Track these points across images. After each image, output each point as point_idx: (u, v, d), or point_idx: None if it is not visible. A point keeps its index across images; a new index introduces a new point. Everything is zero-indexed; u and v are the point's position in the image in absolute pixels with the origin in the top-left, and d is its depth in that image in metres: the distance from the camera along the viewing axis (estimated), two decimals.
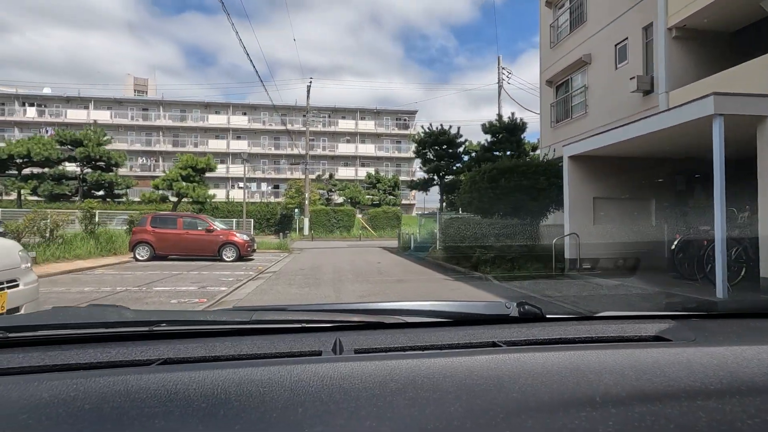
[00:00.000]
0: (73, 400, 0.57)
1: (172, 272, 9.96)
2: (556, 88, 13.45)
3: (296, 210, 30.66)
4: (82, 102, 42.47)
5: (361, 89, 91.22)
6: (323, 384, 0.61)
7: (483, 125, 18.88)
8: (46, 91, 42.53)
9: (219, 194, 40.81)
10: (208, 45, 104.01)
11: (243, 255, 12.91)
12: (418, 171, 48.20)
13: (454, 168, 17.83)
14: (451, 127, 18.10)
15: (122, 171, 42.31)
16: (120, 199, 21.69)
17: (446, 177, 18.74)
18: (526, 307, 1.02)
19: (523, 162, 9.94)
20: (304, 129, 31.85)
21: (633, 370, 0.65)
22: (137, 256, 12.43)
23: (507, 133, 18.44)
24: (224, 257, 12.69)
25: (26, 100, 41.42)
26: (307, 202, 29.66)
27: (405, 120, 46.26)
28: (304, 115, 43.33)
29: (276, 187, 43.53)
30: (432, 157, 18.41)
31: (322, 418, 0.54)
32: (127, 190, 21.11)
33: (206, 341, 0.83)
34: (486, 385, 0.61)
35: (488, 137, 19.09)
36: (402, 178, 43.20)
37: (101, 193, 19.58)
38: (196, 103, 43.60)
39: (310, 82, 30.81)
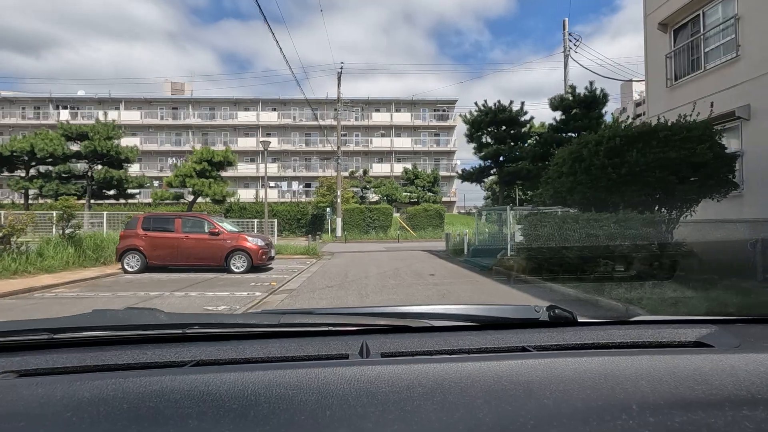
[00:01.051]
0: (112, 399, 0.59)
1: (151, 293, 7.22)
2: (673, 32, 9.76)
3: (328, 209, 27.95)
4: (113, 103, 41.84)
5: (396, 83, 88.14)
6: (350, 387, 0.61)
7: (551, 100, 15.29)
8: (80, 93, 42.23)
9: (248, 195, 38.97)
10: (242, 49, 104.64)
11: (256, 264, 10.10)
12: (459, 164, 44.64)
13: (517, 153, 14.28)
14: (512, 102, 14.68)
15: (151, 172, 41.60)
16: (133, 200, 19.63)
17: (506, 165, 15.27)
18: (557, 311, 0.98)
19: (664, 125, 6.45)
20: (336, 123, 29.09)
21: (672, 377, 0.63)
22: (126, 267, 9.87)
23: (583, 108, 14.75)
24: (233, 267, 9.92)
25: (60, 103, 41.19)
26: (339, 200, 26.87)
27: (444, 110, 42.74)
28: (336, 109, 40.86)
29: (308, 185, 41.22)
30: (488, 141, 14.99)
31: (350, 421, 0.54)
32: (141, 190, 18.92)
33: (236, 343, 0.84)
34: (515, 390, 0.60)
35: (557, 115, 15.48)
36: (442, 173, 39.78)
37: (112, 192, 17.53)
38: (224, 101, 42.01)
39: (341, 69, 27.85)
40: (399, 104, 42.92)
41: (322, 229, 28.73)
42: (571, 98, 14.90)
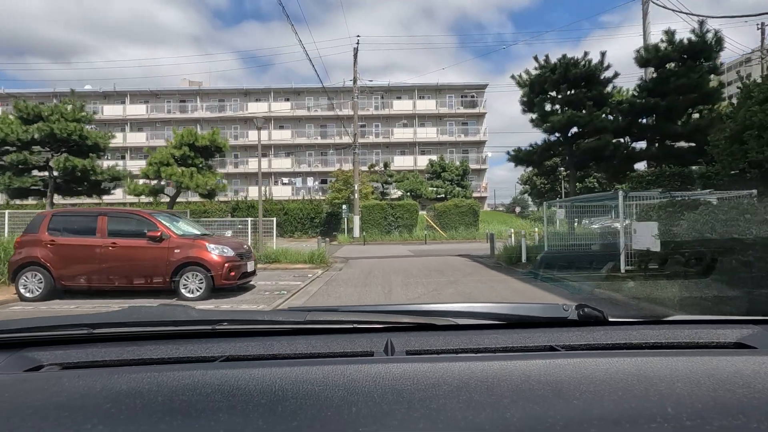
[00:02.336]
0: (148, 392, 0.61)
1: None
2: None
3: (344, 206, 24.39)
4: (119, 97, 39.51)
5: (419, 67, 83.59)
6: (375, 384, 0.61)
7: (638, 52, 11.22)
8: (87, 87, 40.04)
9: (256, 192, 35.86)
10: (262, 49, 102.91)
11: (221, 284, 6.57)
12: (490, 156, 40.35)
13: (599, 123, 10.20)
14: (587, 53, 10.69)
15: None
16: (109, 195, 16.51)
17: (580, 140, 11.22)
18: (586, 309, 0.96)
19: None
20: (353, 109, 25.52)
21: (710, 380, 0.61)
22: (23, 292, 6.49)
23: (688, 59, 10.62)
24: (183, 290, 6.41)
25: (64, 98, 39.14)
26: (356, 195, 23.26)
27: (473, 96, 38.61)
28: (354, 98, 37.32)
29: (323, 182, 37.80)
30: (554, 109, 10.98)
31: (376, 419, 0.54)
32: (119, 184, 15.77)
33: (264, 340, 0.86)
34: (543, 390, 0.59)
35: (648, 73, 11.40)
36: (471, 166, 35.71)
37: (83, 187, 14.45)
38: (235, 91, 39.06)
39: (357, 44, 24.20)
40: (422, 91, 39.03)
41: (338, 229, 25.23)
42: (668, 48, 10.77)
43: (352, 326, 0.93)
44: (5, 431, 0.55)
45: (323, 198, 26.79)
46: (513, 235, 14.50)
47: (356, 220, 23.25)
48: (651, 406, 0.55)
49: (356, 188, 23.29)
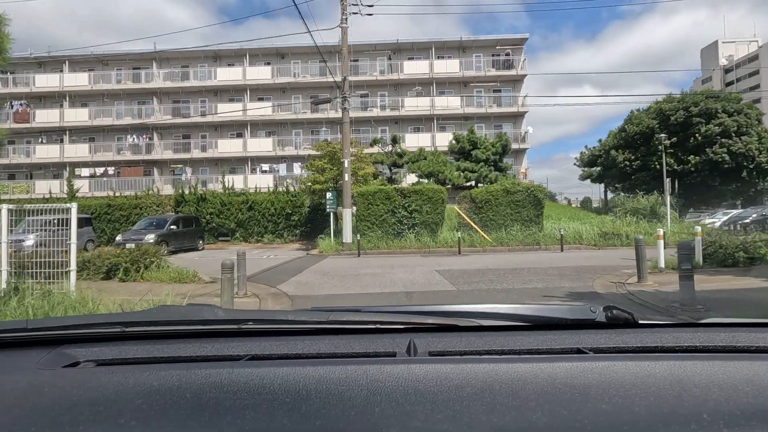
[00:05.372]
0: (177, 389, 0.63)
1: None
2: None
3: (328, 194, 15.63)
4: (55, 64, 31.35)
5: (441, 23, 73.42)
6: (398, 385, 0.61)
7: None
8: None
9: (236, 182, 27.28)
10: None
11: None
12: (531, 130, 31.42)
13: None
14: None
15: (106, 154, 30.81)
16: None
17: None
18: (615, 311, 0.93)
19: None
20: (341, 41, 16.76)
21: (750, 386, 0.59)
22: None
23: None
24: None
25: None
26: (347, 176, 14.51)
27: (508, 54, 29.58)
28: (353, 60, 28.55)
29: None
30: None
31: (399, 419, 0.55)
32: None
33: (288, 339, 0.87)
34: (571, 394, 0.58)
35: None
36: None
37: None
38: (200, 54, 30.58)
39: None
40: (442, 49, 30.14)
41: (323, 229, 16.62)
42: None
43: (374, 326, 0.93)
44: (47, 423, 0.57)
45: (310, 186, 18.02)
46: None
47: (347, 215, 14.46)
48: (685, 412, 0.54)
49: (346, 164, 14.49)
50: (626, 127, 29.99)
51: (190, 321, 0.97)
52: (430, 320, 0.95)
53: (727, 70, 76.25)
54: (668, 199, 15.28)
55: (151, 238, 15.19)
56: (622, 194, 24.74)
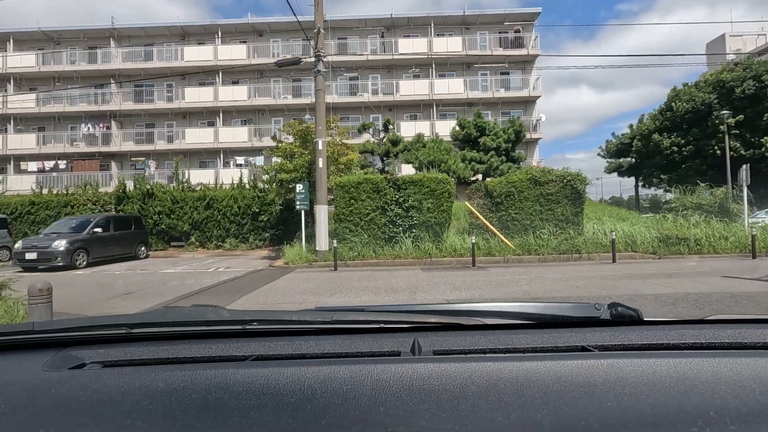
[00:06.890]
0: (182, 390, 0.63)
1: None
2: None
3: (299, 186, 11.83)
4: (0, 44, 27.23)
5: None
6: (403, 384, 0.62)
7: None
8: None
9: (207, 176, 23.43)
10: None
11: None
12: (544, 118, 27.73)
13: None
14: None
15: (57, 146, 26.75)
16: None
17: None
18: (619, 308, 0.92)
19: None
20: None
21: (757, 383, 0.59)
22: None
23: None
24: None
25: None
26: (321, 160, 10.75)
27: (517, 31, 25.91)
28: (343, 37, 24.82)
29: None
30: None
31: (404, 419, 0.55)
32: None
33: (292, 339, 0.86)
34: (576, 392, 0.58)
35: None
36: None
37: None
38: (165, 29, 26.69)
39: None
40: (442, 25, 26.45)
41: (296, 234, 12.87)
42: None
43: (378, 326, 0.92)
44: (54, 425, 0.57)
45: (275, 175, 14.22)
46: None
47: (321, 214, 10.67)
48: (691, 409, 0.54)
49: (321, 145, 10.72)
50: (673, 104, 24.15)
51: (195, 322, 0.97)
52: (434, 319, 0.96)
53: (735, 64, 73.38)
54: (746, 192, 11.62)
55: (61, 245, 11.34)
56: (669, 188, 20.35)
